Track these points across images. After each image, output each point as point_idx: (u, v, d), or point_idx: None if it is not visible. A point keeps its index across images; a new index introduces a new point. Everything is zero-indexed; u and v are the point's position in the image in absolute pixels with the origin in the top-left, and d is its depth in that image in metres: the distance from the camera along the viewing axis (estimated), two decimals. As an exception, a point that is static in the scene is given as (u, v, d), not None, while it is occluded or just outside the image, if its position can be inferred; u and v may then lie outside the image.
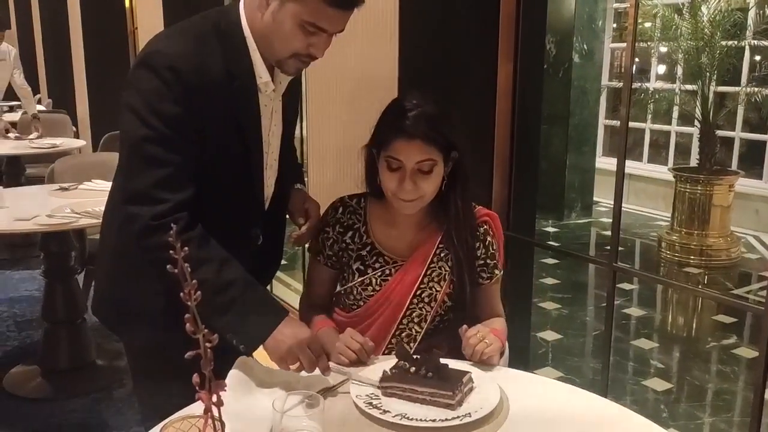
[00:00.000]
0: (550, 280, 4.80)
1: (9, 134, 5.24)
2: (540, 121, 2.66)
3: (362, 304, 1.60)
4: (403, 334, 1.60)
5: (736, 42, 5.57)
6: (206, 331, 0.80)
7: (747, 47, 5.97)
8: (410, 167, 1.47)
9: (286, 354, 1.29)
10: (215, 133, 1.34)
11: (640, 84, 6.91)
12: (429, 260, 1.58)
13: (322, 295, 1.68)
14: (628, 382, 3.37)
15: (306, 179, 1.94)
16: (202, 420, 0.99)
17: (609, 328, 2.25)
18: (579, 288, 4.92)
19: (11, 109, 6.92)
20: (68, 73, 7.56)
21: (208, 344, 0.79)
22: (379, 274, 1.59)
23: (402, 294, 1.57)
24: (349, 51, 2.38)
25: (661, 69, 7.06)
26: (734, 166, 6.44)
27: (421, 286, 1.58)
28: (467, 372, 1.35)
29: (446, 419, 1.24)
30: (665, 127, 7.19)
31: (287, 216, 1.66)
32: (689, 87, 5.80)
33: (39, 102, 6.58)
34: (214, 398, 0.81)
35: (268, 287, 1.97)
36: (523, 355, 2.64)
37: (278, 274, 1.77)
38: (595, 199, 6.95)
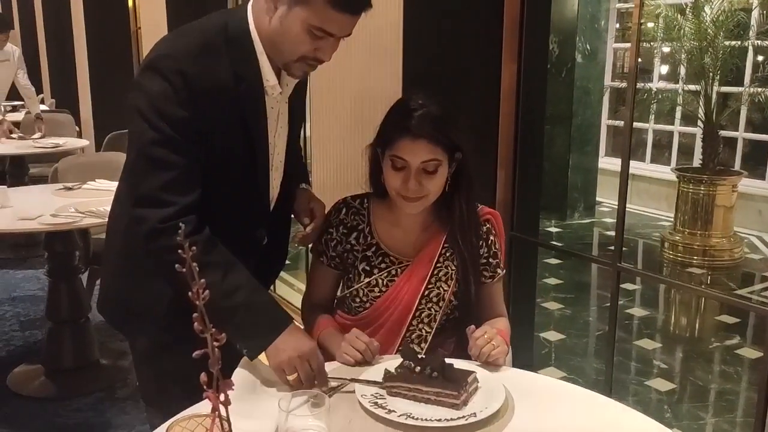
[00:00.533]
0: (552, 280, 4.80)
1: (12, 134, 5.25)
2: (543, 122, 2.66)
3: (369, 306, 1.60)
4: (413, 336, 1.60)
5: (739, 42, 5.56)
6: (214, 330, 0.80)
7: (750, 47, 5.96)
8: (415, 167, 1.47)
9: (286, 363, 1.30)
10: (222, 136, 1.35)
11: (642, 84, 6.90)
12: (435, 260, 1.58)
13: (325, 296, 1.69)
14: (631, 383, 3.36)
15: (310, 179, 1.94)
16: (209, 419, 1.00)
17: (613, 329, 2.25)
18: (582, 288, 4.92)
19: (14, 108, 6.93)
20: (71, 72, 7.57)
21: (215, 343, 0.79)
22: (385, 274, 1.59)
23: (410, 294, 1.57)
24: (353, 51, 2.38)
25: (664, 69, 7.05)
26: (737, 166, 6.42)
27: (429, 286, 1.58)
28: (472, 372, 1.35)
29: (451, 419, 1.24)
30: (668, 128, 7.18)
31: (292, 216, 1.66)
32: (692, 87, 5.79)
33: (42, 102, 6.59)
34: (222, 397, 0.81)
35: (271, 287, 1.98)
36: (527, 355, 2.64)
37: (281, 273, 1.77)
38: (597, 199, 6.95)
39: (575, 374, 3.40)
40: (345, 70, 2.55)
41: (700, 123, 5.69)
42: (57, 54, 8.21)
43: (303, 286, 3.65)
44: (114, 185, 3.26)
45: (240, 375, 1.32)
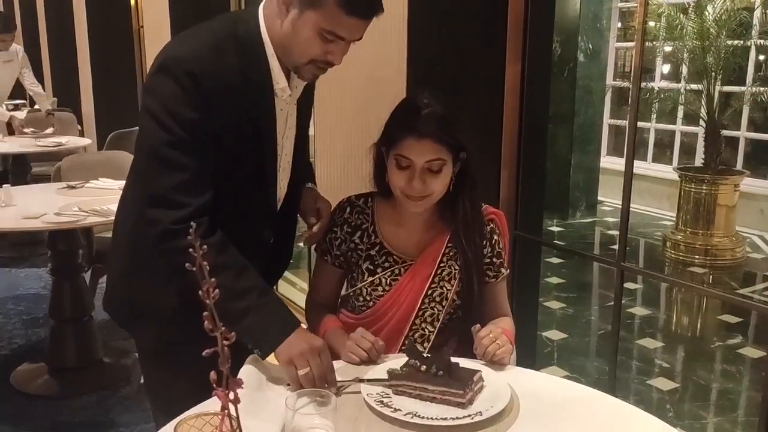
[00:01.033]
0: (555, 280, 4.80)
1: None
2: (547, 121, 2.67)
3: (372, 305, 1.60)
4: (416, 335, 1.60)
5: (741, 42, 5.55)
6: (224, 328, 0.80)
7: (753, 47, 5.96)
8: (420, 166, 1.48)
9: (297, 357, 1.30)
10: (232, 138, 1.35)
11: (645, 83, 6.90)
12: (439, 259, 1.59)
13: (329, 296, 1.69)
14: (633, 382, 3.37)
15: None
16: (217, 417, 1.00)
17: (616, 328, 2.25)
18: (584, 287, 4.92)
19: (16, 107, 6.94)
20: (73, 71, 7.56)
21: (225, 342, 0.79)
22: (388, 274, 1.59)
23: (413, 294, 1.58)
24: (358, 50, 2.37)
25: (666, 68, 7.05)
26: (739, 165, 6.43)
27: (432, 285, 1.58)
28: (478, 371, 1.35)
29: (457, 417, 1.24)
30: (670, 127, 7.18)
31: (298, 215, 1.67)
32: (694, 86, 5.79)
33: (44, 100, 6.59)
34: (231, 395, 0.82)
35: (274, 286, 1.98)
36: (530, 354, 2.64)
37: (283, 272, 1.79)
38: (599, 198, 6.95)
39: (577, 373, 3.40)
40: (349, 69, 2.54)
41: (702, 122, 5.69)
42: (59, 53, 8.21)
43: (305, 285, 3.66)
44: (117, 184, 3.31)
45: (246, 373, 1.32)
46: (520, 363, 1.58)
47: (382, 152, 1.56)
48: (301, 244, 1.80)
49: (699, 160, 6.36)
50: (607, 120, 7.51)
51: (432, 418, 1.24)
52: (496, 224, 1.64)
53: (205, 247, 0.81)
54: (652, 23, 6.95)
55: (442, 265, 1.59)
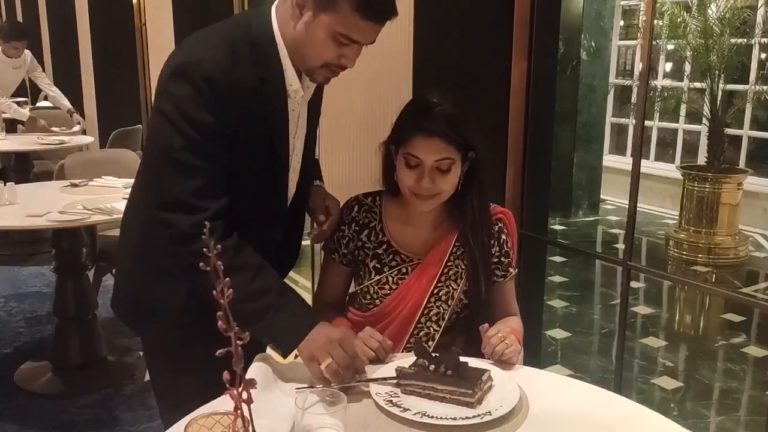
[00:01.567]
0: (558, 278, 4.79)
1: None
2: (553, 120, 2.66)
3: (379, 303, 1.60)
4: (421, 333, 1.60)
5: (745, 40, 5.54)
6: (237, 328, 0.80)
7: (756, 45, 5.95)
8: (429, 165, 1.47)
9: (318, 351, 1.29)
10: (245, 140, 1.35)
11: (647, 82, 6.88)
12: (446, 259, 1.58)
13: (337, 294, 1.69)
14: (636, 381, 3.36)
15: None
16: (227, 417, 1.00)
17: (623, 327, 2.25)
18: (587, 286, 4.92)
19: (18, 105, 6.93)
20: (76, 68, 7.56)
21: (239, 342, 0.79)
22: (395, 272, 1.59)
23: (419, 292, 1.57)
24: (364, 49, 2.37)
25: (668, 66, 7.04)
26: (742, 164, 6.42)
27: (438, 284, 1.58)
28: (486, 370, 1.35)
29: (467, 417, 1.24)
30: (672, 125, 7.17)
31: (306, 213, 1.67)
32: (697, 85, 5.78)
33: (45, 98, 6.59)
34: (245, 396, 0.81)
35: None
36: (535, 353, 2.63)
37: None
38: (601, 196, 6.95)
39: (581, 372, 3.40)
40: (356, 66, 2.53)
41: (705, 121, 5.69)
42: (61, 50, 8.21)
43: (308, 283, 3.65)
44: (120, 182, 3.31)
45: (255, 372, 1.32)
46: (525, 362, 1.58)
47: (390, 151, 1.55)
48: (309, 242, 1.80)
49: (701, 159, 6.35)
50: (609, 118, 7.50)
51: (441, 418, 1.24)
52: (504, 224, 1.64)
53: (219, 247, 0.80)
54: (655, 21, 6.94)
55: (449, 264, 1.59)
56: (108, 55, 6.50)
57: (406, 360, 1.39)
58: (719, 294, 4.92)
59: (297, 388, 1.31)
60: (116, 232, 3.14)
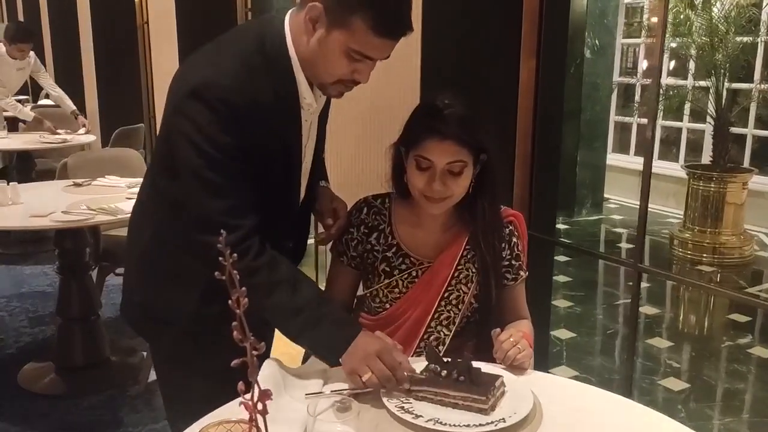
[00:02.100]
0: (562, 278, 4.77)
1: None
2: (561, 119, 2.64)
3: (388, 306, 1.58)
4: (431, 338, 1.58)
5: (751, 38, 5.52)
6: (253, 339, 0.78)
7: (761, 43, 5.92)
8: (440, 167, 1.45)
9: (358, 365, 1.29)
10: (261, 154, 1.34)
11: (647, 80, 6.87)
12: (456, 262, 1.56)
13: (344, 297, 1.66)
14: (644, 382, 3.34)
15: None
16: (239, 425, 0.98)
17: (633, 330, 2.23)
18: (591, 286, 4.89)
19: (20, 103, 6.90)
20: (77, 67, 7.54)
21: (255, 352, 0.77)
22: (405, 276, 1.57)
23: (430, 296, 1.55)
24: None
25: (671, 64, 7.00)
26: (746, 163, 6.39)
27: (449, 288, 1.56)
28: (499, 376, 1.33)
29: (480, 424, 1.22)
30: (676, 124, 7.14)
31: (313, 215, 1.65)
32: (702, 83, 5.75)
33: (46, 97, 6.57)
34: (260, 406, 0.79)
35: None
36: (542, 354, 2.61)
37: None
38: (605, 195, 6.92)
39: (587, 373, 3.38)
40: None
41: (709, 119, 5.66)
42: (63, 49, 8.18)
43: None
44: (124, 181, 3.29)
45: (265, 378, 1.30)
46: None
47: (401, 152, 1.53)
48: (312, 241, 1.79)
49: (705, 158, 6.33)
50: (612, 117, 7.48)
51: (455, 425, 1.22)
52: (515, 226, 1.62)
53: (235, 255, 0.79)
54: (654, 19, 6.93)
55: (459, 267, 1.57)
56: (110, 54, 6.47)
57: (416, 364, 1.36)
58: (733, 298, 4.85)
59: (307, 394, 1.29)
60: (119, 232, 3.16)
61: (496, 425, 1.21)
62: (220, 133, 1.26)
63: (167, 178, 1.38)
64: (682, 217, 5.72)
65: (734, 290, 4.61)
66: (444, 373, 1.31)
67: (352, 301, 1.69)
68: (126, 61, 6.24)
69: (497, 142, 1.62)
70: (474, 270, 1.57)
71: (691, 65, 6.16)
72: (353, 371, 1.30)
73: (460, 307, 1.58)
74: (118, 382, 3.07)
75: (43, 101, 6.71)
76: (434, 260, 1.57)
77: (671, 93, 6.17)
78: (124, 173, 3.44)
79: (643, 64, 7.38)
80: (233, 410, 1.19)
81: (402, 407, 1.26)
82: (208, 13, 4.39)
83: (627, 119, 7.55)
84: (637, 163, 7.28)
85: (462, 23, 2.28)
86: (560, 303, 4.34)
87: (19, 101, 6.87)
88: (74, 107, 5.59)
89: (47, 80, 5.73)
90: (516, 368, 1.41)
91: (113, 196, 2.96)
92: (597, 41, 6.46)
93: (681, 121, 7.06)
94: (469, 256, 1.57)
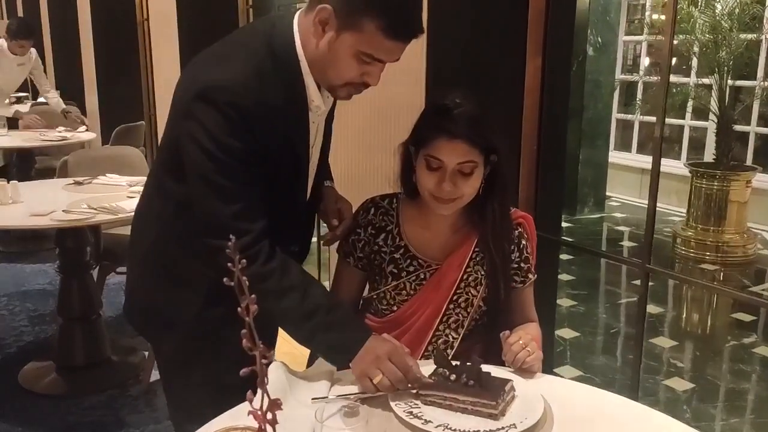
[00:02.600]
0: (564, 277, 4.75)
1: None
2: (567, 118, 2.61)
3: (396, 309, 1.56)
4: (440, 341, 1.56)
5: (755, 36, 5.49)
6: (262, 347, 0.76)
7: (764, 40, 5.89)
8: (451, 168, 1.43)
9: (368, 368, 1.28)
10: (271, 156, 1.32)
11: (651, 77, 6.84)
12: (465, 264, 1.54)
13: (350, 298, 1.64)
14: (648, 382, 3.32)
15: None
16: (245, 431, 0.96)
17: (640, 332, 2.21)
18: (593, 284, 4.87)
19: (19, 100, 6.88)
20: (77, 65, 7.50)
21: (264, 361, 0.75)
22: (413, 278, 1.55)
23: (438, 299, 1.53)
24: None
25: (673, 62, 6.97)
26: (749, 161, 6.36)
27: (458, 291, 1.54)
28: (509, 380, 1.31)
29: (491, 430, 1.20)
30: (679, 122, 7.11)
31: (318, 215, 1.63)
32: (705, 81, 5.72)
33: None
34: (269, 416, 0.77)
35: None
36: (547, 354, 2.59)
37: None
38: (607, 193, 6.90)
39: (592, 373, 3.36)
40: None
41: (712, 117, 5.63)
42: (63, 45, 8.15)
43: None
44: (125, 180, 3.26)
45: (272, 383, 1.27)
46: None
47: (410, 152, 1.51)
48: (321, 244, 1.77)
49: (708, 156, 6.30)
50: (614, 114, 7.45)
51: (464, 431, 1.20)
52: (524, 228, 1.60)
53: (244, 261, 0.76)
54: (656, 16, 6.90)
55: (468, 269, 1.54)
56: (110, 51, 6.44)
57: (425, 368, 1.34)
58: (739, 297, 4.81)
59: (313, 399, 1.27)
60: (121, 230, 3.13)
61: (506, 431, 1.19)
62: (230, 137, 1.25)
63: (174, 180, 1.36)
64: (684, 215, 5.69)
65: (738, 289, 4.59)
66: (453, 377, 1.29)
67: (358, 302, 1.67)
68: (126, 58, 6.22)
69: (506, 142, 1.60)
70: (483, 272, 1.55)
71: (694, 62, 6.13)
72: (364, 374, 1.28)
73: (468, 310, 1.56)
74: (119, 381, 3.05)
75: (42, 98, 6.68)
76: (442, 262, 1.55)
77: (674, 90, 6.14)
78: (125, 171, 3.41)
79: (645, 61, 7.35)
80: (237, 415, 1.17)
81: (410, 412, 1.24)
82: (208, 10, 4.37)
83: (629, 117, 7.52)
84: (638, 160, 7.26)
85: (468, 21, 2.25)
86: (564, 302, 4.31)
87: (18, 98, 6.86)
88: (64, 107, 5.56)
89: (42, 80, 5.69)
90: (525, 371, 1.39)
91: (114, 195, 2.93)
92: (599, 38, 6.43)
93: (684, 118, 7.03)
94: (477, 259, 1.55)
